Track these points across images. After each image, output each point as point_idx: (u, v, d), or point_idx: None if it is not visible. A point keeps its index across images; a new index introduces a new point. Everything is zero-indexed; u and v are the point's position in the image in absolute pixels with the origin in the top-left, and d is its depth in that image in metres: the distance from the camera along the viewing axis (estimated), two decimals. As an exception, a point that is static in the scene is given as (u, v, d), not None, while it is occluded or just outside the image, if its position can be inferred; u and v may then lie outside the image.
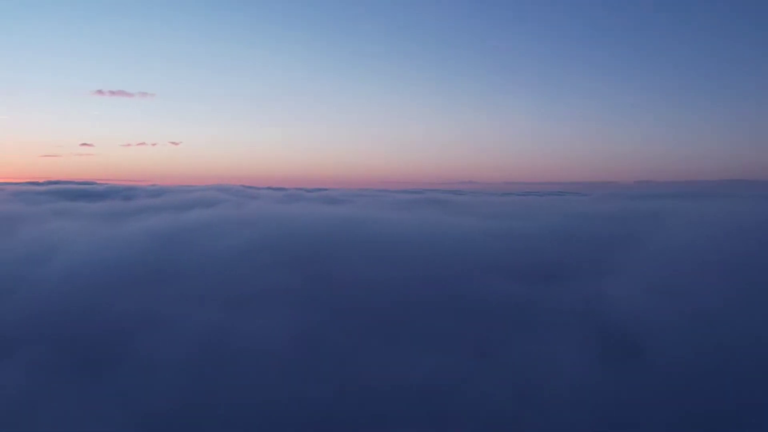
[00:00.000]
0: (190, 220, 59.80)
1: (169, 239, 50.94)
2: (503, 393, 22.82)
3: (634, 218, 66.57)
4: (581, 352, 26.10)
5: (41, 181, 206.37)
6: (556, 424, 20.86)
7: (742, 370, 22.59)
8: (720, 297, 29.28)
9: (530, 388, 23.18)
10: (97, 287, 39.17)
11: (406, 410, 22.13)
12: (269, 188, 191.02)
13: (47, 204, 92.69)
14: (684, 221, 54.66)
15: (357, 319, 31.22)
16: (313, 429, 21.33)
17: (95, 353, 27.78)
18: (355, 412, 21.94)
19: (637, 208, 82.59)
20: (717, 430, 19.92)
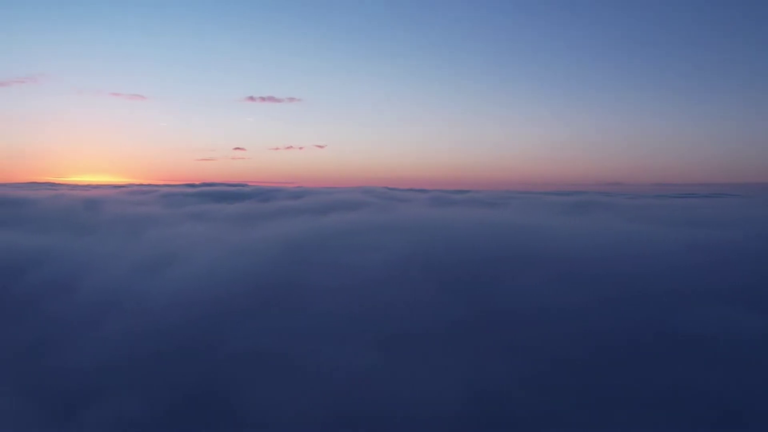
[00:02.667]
0: (331, 225, 49.97)
1: (304, 248, 41.21)
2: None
3: None
4: None
5: (197, 183, 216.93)
6: None
7: None
8: None
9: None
10: (211, 310, 30.45)
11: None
12: (411, 190, 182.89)
13: (190, 206, 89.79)
14: None
15: (543, 362, 23.15)
16: None
17: (200, 402, 21.64)
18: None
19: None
20: None
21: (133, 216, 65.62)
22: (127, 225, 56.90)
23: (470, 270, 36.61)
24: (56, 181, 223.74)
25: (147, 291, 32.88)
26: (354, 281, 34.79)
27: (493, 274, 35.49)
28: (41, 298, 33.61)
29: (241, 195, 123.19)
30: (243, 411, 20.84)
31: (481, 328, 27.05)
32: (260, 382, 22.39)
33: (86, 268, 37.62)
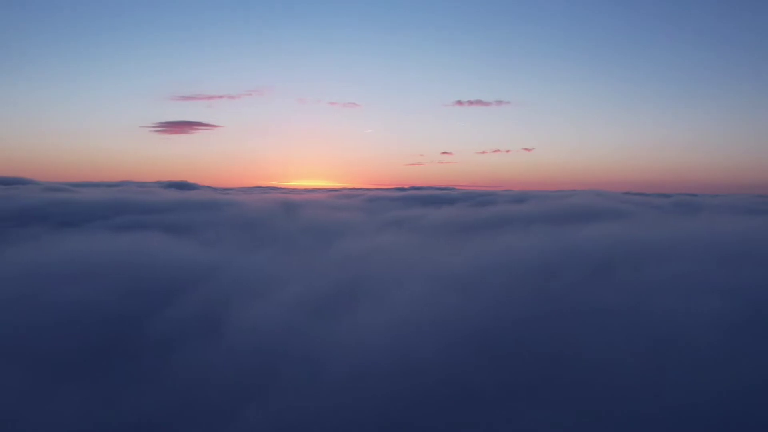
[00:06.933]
0: (592, 241, 32.67)
1: (563, 280, 25.01)
2: None
3: None
4: None
5: (406, 186, 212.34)
6: None
7: None
8: None
9: None
10: (415, 394, 17.16)
11: None
12: (629, 193, 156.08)
13: (394, 210, 78.60)
14: None
15: None
16: None
17: None
18: None
19: None
20: None
21: (327, 223, 55.67)
22: (318, 235, 46.48)
23: None
24: (278, 186, 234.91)
25: (313, 352, 19.85)
26: (676, 348, 18.16)
27: None
28: (180, 339, 22.77)
29: (450, 198, 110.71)
30: None
31: None
32: None
33: (244, 297, 26.19)
